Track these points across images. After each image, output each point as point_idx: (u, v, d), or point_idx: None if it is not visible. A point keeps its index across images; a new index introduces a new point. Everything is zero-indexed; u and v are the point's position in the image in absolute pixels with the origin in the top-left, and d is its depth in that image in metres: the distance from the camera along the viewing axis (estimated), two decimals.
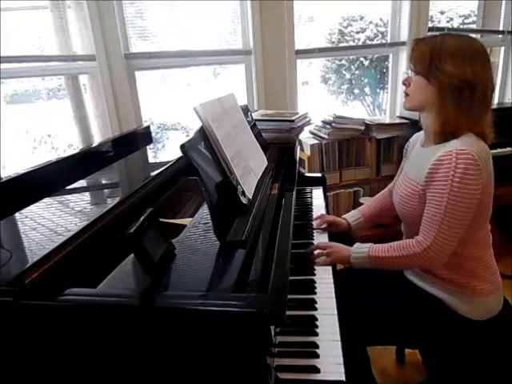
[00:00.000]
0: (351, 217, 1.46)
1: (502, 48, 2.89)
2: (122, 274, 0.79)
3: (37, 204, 1.01)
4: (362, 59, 2.92)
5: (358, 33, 2.78)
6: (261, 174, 1.22)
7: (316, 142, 2.41)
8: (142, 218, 0.76)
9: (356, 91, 3.05)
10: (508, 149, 2.42)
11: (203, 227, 0.98)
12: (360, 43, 2.77)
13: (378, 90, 3.05)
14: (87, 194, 1.18)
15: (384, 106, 2.96)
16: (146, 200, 1.03)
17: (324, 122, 2.43)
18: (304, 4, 2.50)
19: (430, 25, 2.67)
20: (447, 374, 1.20)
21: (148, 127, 1.79)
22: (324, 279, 1.14)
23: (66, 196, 1.12)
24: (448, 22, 2.85)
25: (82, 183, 1.19)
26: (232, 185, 0.97)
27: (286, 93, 2.50)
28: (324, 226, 1.43)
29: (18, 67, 2.10)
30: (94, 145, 1.57)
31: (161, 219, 0.88)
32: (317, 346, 0.88)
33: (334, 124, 2.34)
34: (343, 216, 1.48)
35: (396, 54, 2.72)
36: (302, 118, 1.82)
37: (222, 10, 2.39)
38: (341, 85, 3.03)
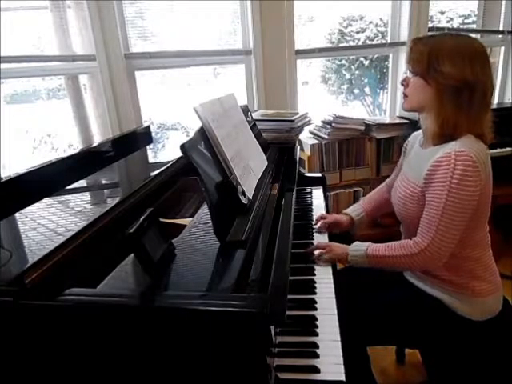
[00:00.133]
0: (354, 211, 1.46)
1: (502, 48, 2.89)
2: (122, 274, 0.79)
3: (37, 204, 1.01)
4: (362, 59, 2.93)
5: (358, 33, 2.78)
6: (261, 173, 1.22)
7: (316, 141, 2.41)
8: (141, 218, 0.76)
9: (356, 91, 3.06)
10: (508, 149, 2.42)
11: (203, 227, 0.98)
12: (360, 43, 2.77)
13: (378, 90, 3.05)
14: (87, 193, 1.18)
15: (384, 106, 2.96)
16: (146, 200, 1.03)
17: (324, 122, 2.43)
18: (304, 4, 2.50)
19: (430, 25, 2.67)
20: (447, 374, 1.20)
21: (148, 127, 1.79)
22: (324, 279, 1.14)
23: (65, 196, 1.12)
24: (448, 21, 2.85)
25: (82, 183, 1.19)
26: (232, 185, 0.97)
27: (285, 93, 2.50)
28: (325, 229, 1.43)
29: (17, 67, 2.10)
30: (94, 145, 1.57)
31: (161, 219, 0.88)
32: (317, 346, 0.88)
33: (334, 124, 2.34)
34: (345, 211, 1.48)
35: (396, 54, 2.72)
36: (301, 118, 1.82)
37: (222, 10, 2.39)
38: (341, 85, 3.03)
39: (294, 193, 1.39)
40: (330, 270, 1.19)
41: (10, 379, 0.73)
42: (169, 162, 1.28)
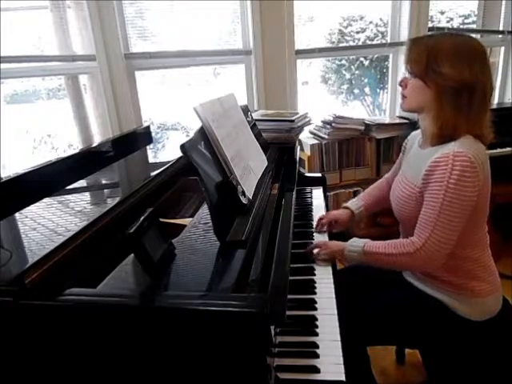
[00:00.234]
0: (354, 205, 1.45)
1: (502, 48, 2.89)
2: (122, 274, 0.79)
3: (37, 204, 1.01)
4: (362, 59, 2.93)
5: (358, 33, 2.79)
6: (261, 173, 1.22)
7: (316, 141, 2.41)
8: (141, 218, 0.76)
9: (356, 91, 3.06)
10: (508, 149, 2.42)
11: (203, 227, 0.98)
12: (360, 43, 2.77)
13: (378, 90, 3.05)
14: (87, 193, 1.18)
15: (384, 106, 2.96)
16: (146, 200, 1.03)
17: (324, 122, 2.43)
18: (304, 4, 2.50)
19: (430, 25, 2.68)
20: (447, 374, 1.20)
21: (148, 127, 1.79)
22: (324, 279, 1.14)
23: (65, 196, 1.12)
24: (448, 21, 2.85)
25: (82, 183, 1.19)
26: (232, 185, 0.97)
27: (285, 93, 2.50)
28: (324, 229, 1.43)
29: (17, 67, 2.10)
30: (94, 145, 1.57)
31: (161, 219, 0.88)
32: (317, 346, 0.88)
33: (334, 124, 2.34)
34: (345, 204, 1.47)
35: (396, 54, 2.72)
36: (301, 118, 1.82)
37: (222, 10, 2.39)
38: (341, 85, 3.03)
39: (294, 193, 1.39)
40: (330, 269, 1.19)
41: (10, 379, 0.73)
42: (169, 162, 1.28)
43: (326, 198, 1.73)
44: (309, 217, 1.52)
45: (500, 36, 2.85)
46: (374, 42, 2.77)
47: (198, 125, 1.00)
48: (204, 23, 2.37)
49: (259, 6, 2.31)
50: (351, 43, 2.78)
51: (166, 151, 1.79)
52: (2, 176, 1.02)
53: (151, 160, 1.62)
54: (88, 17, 2.06)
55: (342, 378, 0.81)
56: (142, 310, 0.67)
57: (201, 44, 2.39)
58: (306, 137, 2.51)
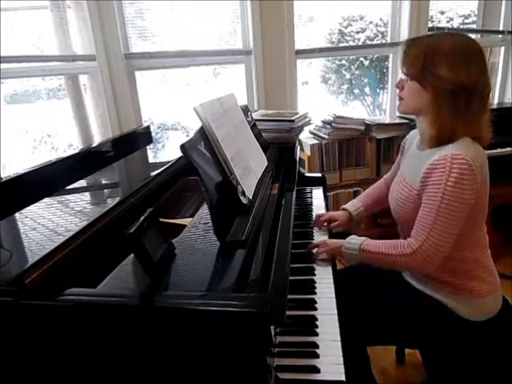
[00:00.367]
0: (352, 206, 1.46)
1: (502, 48, 2.89)
2: (122, 274, 0.79)
3: (37, 204, 1.01)
4: (362, 59, 2.93)
5: (358, 33, 2.79)
6: (261, 173, 1.22)
7: (316, 141, 2.41)
8: (141, 218, 0.76)
9: (356, 91, 3.06)
10: (508, 149, 2.42)
11: (203, 227, 0.98)
12: (360, 43, 2.77)
13: (378, 90, 3.05)
14: (87, 193, 1.18)
15: (384, 106, 2.96)
16: (146, 200, 1.03)
17: (324, 122, 2.43)
18: (304, 4, 2.50)
19: (430, 25, 2.68)
20: (447, 374, 1.20)
21: (148, 127, 1.79)
22: (324, 279, 1.14)
23: (65, 196, 1.12)
24: (448, 21, 2.85)
25: (82, 183, 1.19)
26: (232, 185, 0.97)
27: (285, 93, 2.50)
28: (324, 226, 1.43)
29: (17, 67, 2.10)
30: (94, 145, 1.57)
31: (161, 219, 0.88)
32: (317, 346, 0.88)
33: (334, 124, 2.34)
34: (344, 206, 1.48)
35: (396, 54, 2.71)
36: (301, 118, 1.82)
37: (222, 10, 2.39)
38: (341, 85, 3.03)
39: (294, 193, 1.39)
40: (330, 269, 1.19)
41: (10, 379, 0.73)
42: (169, 162, 1.28)
43: (325, 198, 1.73)
44: (309, 217, 1.52)
45: (500, 36, 2.85)
46: (374, 42, 2.77)
47: (197, 125, 1.00)
48: (204, 23, 2.37)
49: (259, 6, 2.31)
50: (351, 43, 2.78)
51: (166, 151, 1.79)
52: (2, 176, 1.02)
53: (151, 160, 1.62)
54: (88, 17, 2.06)
55: (342, 377, 0.81)
56: (142, 310, 0.67)
57: (201, 44, 2.39)
58: (306, 137, 2.51)
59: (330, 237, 1.39)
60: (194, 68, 2.47)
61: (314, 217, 1.50)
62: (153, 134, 1.80)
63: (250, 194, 1.04)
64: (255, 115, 1.76)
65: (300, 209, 1.58)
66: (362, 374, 1.20)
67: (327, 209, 1.63)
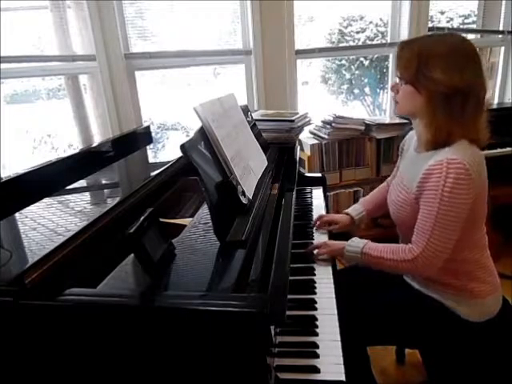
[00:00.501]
0: (354, 210, 1.45)
1: (502, 48, 2.89)
2: (122, 274, 0.79)
3: (37, 204, 1.01)
4: (362, 59, 2.93)
5: (358, 33, 2.79)
6: (261, 173, 1.22)
7: (316, 141, 2.41)
8: (141, 218, 0.76)
9: (356, 91, 3.06)
10: (508, 149, 2.42)
11: (203, 227, 0.98)
12: (360, 43, 2.77)
13: (378, 90, 3.05)
14: (87, 194, 1.18)
15: (384, 106, 2.96)
16: (146, 200, 1.03)
17: (324, 122, 2.43)
18: (304, 4, 2.50)
19: (430, 25, 2.67)
20: (447, 374, 1.20)
21: (148, 127, 1.79)
22: (324, 279, 1.14)
23: (65, 196, 1.12)
24: (448, 21, 2.85)
25: (82, 183, 1.19)
26: (232, 185, 0.97)
27: (285, 93, 2.50)
28: (324, 227, 1.43)
29: (17, 67, 2.10)
30: (94, 145, 1.57)
31: (161, 219, 0.88)
32: (317, 346, 0.88)
33: (334, 124, 2.34)
34: (346, 211, 1.47)
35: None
36: (301, 118, 1.82)
37: (222, 10, 2.39)
38: (341, 85, 3.03)
39: (294, 193, 1.39)
40: (330, 269, 1.19)
41: (10, 379, 0.73)
42: (169, 162, 1.28)
43: (325, 198, 1.73)
44: (309, 217, 1.52)
45: (500, 36, 2.85)
46: (374, 42, 2.77)
47: (197, 125, 1.00)
48: (204, 23, 2.37)
49: (259, 6, 2.31)
50: (351, 43, 2.78)
51: (166, 151, 1.79)
52: (2, 176, 1.02)
53: (151, 160, 1.62)
54: (88, 17, 2.06)
55: (342, 377, 0.81)
56: (142, 310, 0.67)
57: (201, 44, 2.39)
58: (306, 137, 2.50)
59: (330, 237, 1.39)
60: (194, 68, 2.47)
61: (314, 217, 1.50)
62: (153, 134, 1.80)
63: (250, 194, 1.04)
64: (255, 115, 1.76)
65: (300, 209, 1.58)
66: (362, 374, 1.20)
67: (327, 209, 1.63)
